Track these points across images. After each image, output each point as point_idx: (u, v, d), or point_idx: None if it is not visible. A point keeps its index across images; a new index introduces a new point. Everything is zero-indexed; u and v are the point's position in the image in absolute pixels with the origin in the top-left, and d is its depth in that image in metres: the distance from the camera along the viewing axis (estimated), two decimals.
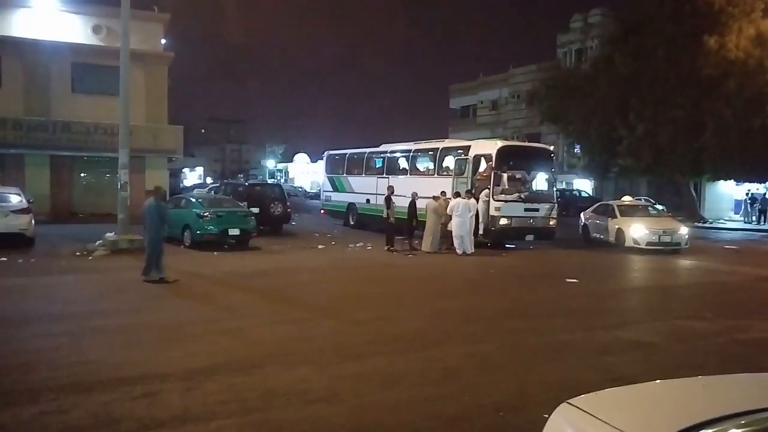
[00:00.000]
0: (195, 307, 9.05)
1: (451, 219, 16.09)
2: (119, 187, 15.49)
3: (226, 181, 37.37)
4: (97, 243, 15.04)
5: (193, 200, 17.56)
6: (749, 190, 31.37)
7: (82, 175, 25.49)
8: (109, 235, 15.34)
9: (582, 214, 21.18)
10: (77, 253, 14.54)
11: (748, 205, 31.57)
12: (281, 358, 6.32)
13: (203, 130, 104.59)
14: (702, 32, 26.55)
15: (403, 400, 5.18)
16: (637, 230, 17.50)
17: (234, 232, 16.30)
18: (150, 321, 7.97)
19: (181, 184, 48.25)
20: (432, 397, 5.27)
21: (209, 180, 70.45)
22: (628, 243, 17.50)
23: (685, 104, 26.68)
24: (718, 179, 30.63)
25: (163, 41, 27.13)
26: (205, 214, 16.25)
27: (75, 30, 24.43)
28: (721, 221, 31.77)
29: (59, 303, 9.03)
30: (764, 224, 29.14)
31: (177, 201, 18.52)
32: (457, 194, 16.53)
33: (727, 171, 28.06)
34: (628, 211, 18.77)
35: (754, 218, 30.75)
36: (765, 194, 30.30)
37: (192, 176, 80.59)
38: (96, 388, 5.24)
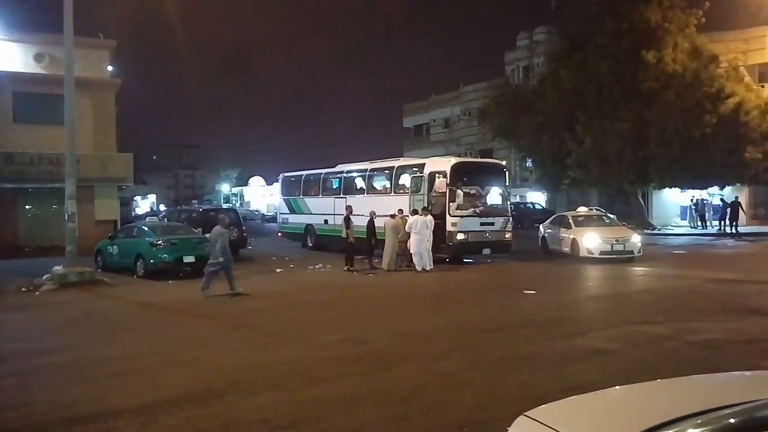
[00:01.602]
0: (151, 338, 8.79)
1: (409, 236, 16.17)
2: (67, 218, 14.99)
3: (179, 207, 36.63)
4: (45, 277, 14.49)
5: (146, 228, 17.16)
6: (693, 197, 32.63)
7: (27, 207, 24.54)
8: (57, 268, 14.79)
9: (541, 226, 21.57)
10: (23, 289, 13.98)
11: (693, 211, 32.82)
12: (242, 386, 6.18)
13: (155, 157, 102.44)
14: (641, 47, 27.68)
15: (367, 422, 5.13)
16: (591, 240, 17.76)
17: (189, 259, 15.97)
18: (103, 355, 7.69)
19: (132, 213, 47.00)
20: (396, 417, 5.24)
21: (162, 207, 68.90)
22: (582, 253, 17.76)
23: (630, 116, 27.66)
24: (664, 187, 31.76)
25: (110, 68, 26.61)
26: (158, 242, 15.88)
27: (16, 58, 23.70)
28: (669, 227, 32.90)
29: (5, 341, 8.63)
30: (711, 228, 30.30)
31: (128, 230, 18.09)
32: (414, 211, 16.65)
33: (672, 179, 29.14)
34: (583, 222, 19.03)
35: (697, 223, 31.97)
36: (703, 200, 31.56)
37: (144, 204, 78.64)
38: (46, 431, 5.00)
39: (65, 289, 13.90)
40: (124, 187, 26.85)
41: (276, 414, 5.34)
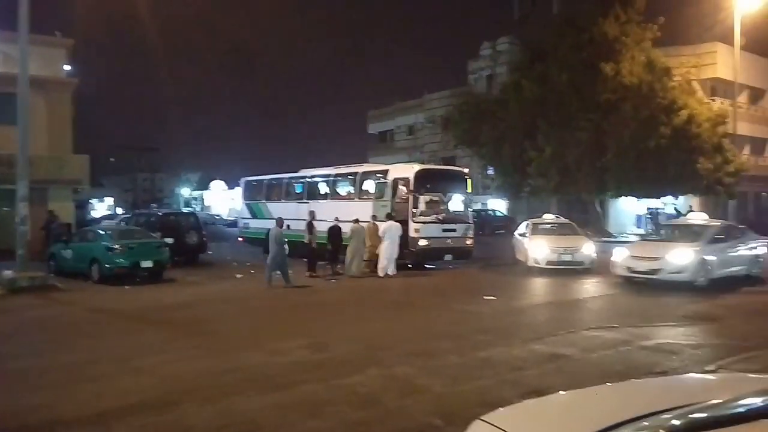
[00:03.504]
0: (105, 344, 8.56)
1: (380, 242, 16.20)
2: (18, 221, 14.49)
3: (137, 211, 35.83)
4: None
5: (101, 232, 16.74)
6: (648, 207, 33.64)
7: None
8: (7, 273, 14.26)
9: (516, 233, 21.07)
10: None
11: (648, 220, 33.87)
12: (200, 393, 6.08)
13: (112, 159, 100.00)
14: (599, 60, 28.43)
15: (328, 428, 5.12)
16: (538, 249, 17.12)
17: (147, 264, 15.63)
18: (55, 363, 7.46)
19: (88, 216, 45.71)
20: (356, 422, 5.24)
21: (120, 210, 67.26)
22: (530, 262, 17.15)
23: (588, 127, 28.34)
24: (620, 196, 32.61)
25: (67, 67, 25.91)
26: (115, 246, 15.51)
27: None
28: (625, 235, 33.80)
29: None
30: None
31: (83, 234, 17.60)
32: (389, 216, 16.67)
33: (628, 188, 29.94)
34: (540, 230, 18.50)
35: (651, 232, 32.98)
36: (657, 210, 32.54)
37: (101, 207, 76.65)
38: None
39: (15, 294, 13.41)
40: (79, 189, 26.11)
41: (235, 421, 5.27)
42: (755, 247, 15.20)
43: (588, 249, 17.27)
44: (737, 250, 14.51)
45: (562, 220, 20.36)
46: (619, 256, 14.51)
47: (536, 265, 16.96)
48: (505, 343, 8.41)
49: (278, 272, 14.57)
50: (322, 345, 8.36)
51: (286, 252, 14.86)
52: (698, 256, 13.19)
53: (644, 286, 13.51)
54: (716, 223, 15.79)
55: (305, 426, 5.18)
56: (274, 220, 16.81)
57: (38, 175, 18.93)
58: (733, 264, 14.19)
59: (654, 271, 13.46)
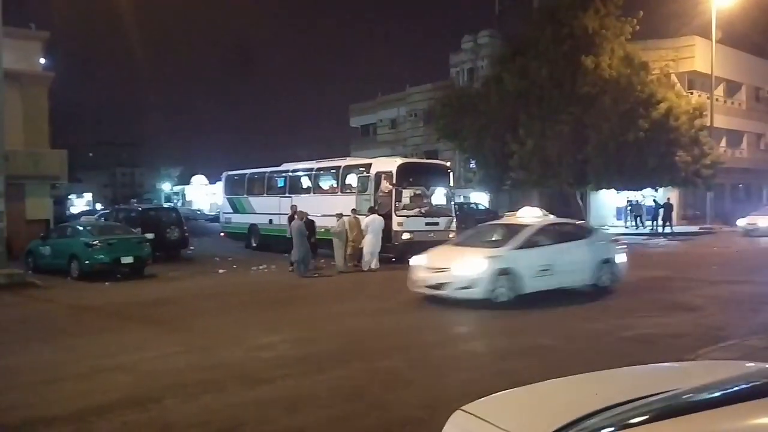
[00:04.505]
0: (86, 341, 8.46)
1: (364, 236, 16.19)
2: None
3: (117, 206, 35.41)
4: None
5: (81, 228, 16.52)
6: (629, 198, 34.02)
7: None
8: None
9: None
10: None
11: (629, 212, 34.29)
12: (181, 389, 6.04)
13: (91, 154, 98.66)
14: (580, 53, 28.63)
15: (311, 423, 5.12)
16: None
17: (127, 260, 15.47)
18: (35, 360, 7.37)
19: (67, 212, 45.06)
20: (339, 417, 5.24)
21: (99, 206, 66.43)
22: None
23: (569, 120, 28.54)
24: (600, 188, 32.93)
25: (43, 60, 25.45)
26: (95, 242, 15.32)
27: None
28: (606, 227, 34.16)
29: None
30: (643, 229, 31.66)
31: (62, 230, 17.36)
32: (371, 210, 16.66)
33: (608, 181, 30.25)
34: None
35: (632, 224, 33.42)
36: (638, 201, 32.95)
37: (80, 203, 75.61)
38: None
39: None
40: (57, 185, 25.78)
41: (217, 417, 5.25)
42: (606, 250, 12.19)
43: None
44: (572, 255, 11.24)
45: (542, 212, 17.47)
46: (416, 264, 11.21)
47: None
48: (487, 334, 8.46)
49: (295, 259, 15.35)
50: (304, 339, 8.35)
51: (309, 243, 15.53)
52: (493, 265, 10.15)
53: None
54: (541, 221, 11.90)
55: (288, 421, 5.18)
56: (287, 215, 16.86)
57: (14, 171, 18.60)
58: (561, 273, 10.90)
59: (440, 286, 10.55)
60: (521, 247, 10.70)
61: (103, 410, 5.40)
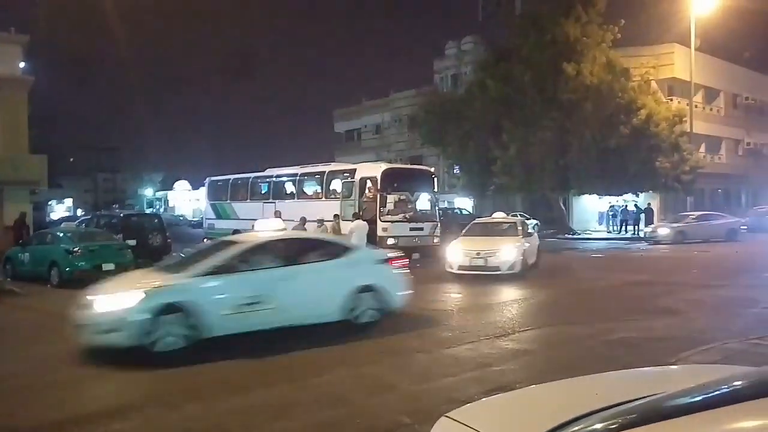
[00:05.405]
0: (66, 350, 8.31)
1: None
2: None
3: (98, 212, 35.00)
4: None
5: (61, 235, 16.30)
6: (611, 203, 34.41)
7: None
8: None
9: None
10: None
11: (611, 217, 34.67)
12: (163, 398, 5.96)
13: (72, 159, 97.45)
14: (562, 60, 28.95)
15: (295, 430, 5.08)
16: (453, 253, 15.17)
17: (108, 267, 15.25)
18: (13, 370, 7.23)
19: (47, 218, 44.44)
20: (324, 423, 5.22)
21: (80, 212, 65.63)
22: (447, 267, 15.25)
23: (552, 126, 28.84)
24: (583, 194, 33.29)
25: (22, 64, 25.15)
26: (75, 249, 15.11)
27: None
28: (588, 232, 34.49)
29: None
30: (625, 233, 32.01)
31: (42, 236, 17.11)
32: (356, 215, 16.62)
33: (590, 186, 30.60)
34: (474, 230, 16.34)
35: (614, 228, 33.78)
36: (625, 206, 33.31)
37: (60, 209, 74.65)
38: None
39: None
40: (37, 190, 25.43)
41: (200, 425, 5.19)
42: (367, 274, 9.20)
43: (508, 254, 14.33)
44: (307, 282, 8.56)
45: (510, 219, 17.91)
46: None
47: (449, 270, 15.07)
48: (471, 339, 8.47)
49: None
50: (288, 347, 8.28)
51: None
52: (153, 300, 7.39)
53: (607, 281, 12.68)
54: (270, 236, 9.37)
55: (272, 427, 5.14)
56: (298, 221, 16.16)
57: None
58: (287, 306, 8.24)
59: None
60: (211, 273, 7.90)
61: (83, 420, 5.32)
